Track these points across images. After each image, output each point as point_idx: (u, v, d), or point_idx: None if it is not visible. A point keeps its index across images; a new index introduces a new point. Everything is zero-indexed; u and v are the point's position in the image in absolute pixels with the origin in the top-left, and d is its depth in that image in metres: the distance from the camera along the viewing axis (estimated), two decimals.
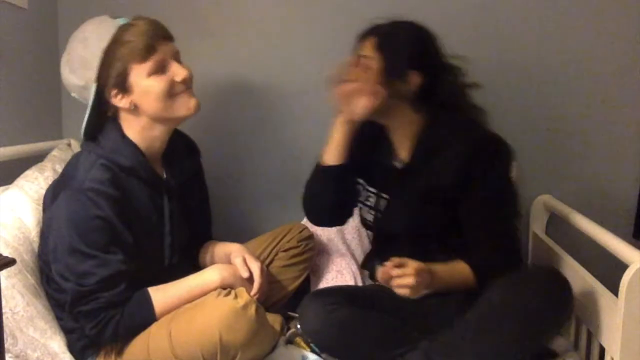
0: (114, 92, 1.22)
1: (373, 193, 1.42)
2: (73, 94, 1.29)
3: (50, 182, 1.40)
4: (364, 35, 1.34)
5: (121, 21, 1.21)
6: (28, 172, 1.47)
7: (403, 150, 1.37)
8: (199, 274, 1.26)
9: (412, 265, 1.17)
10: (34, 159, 1.56)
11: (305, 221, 1.61)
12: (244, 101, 1.80)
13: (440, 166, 1.29)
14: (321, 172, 1.39)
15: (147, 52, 1.19)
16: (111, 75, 1.20)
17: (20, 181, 1.43)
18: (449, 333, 1.21)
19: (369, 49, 1.31)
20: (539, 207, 1.68)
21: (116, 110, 1.26)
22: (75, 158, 1.26)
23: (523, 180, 1.69)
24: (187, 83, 1.24)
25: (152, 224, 1.27)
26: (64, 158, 1.61)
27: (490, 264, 1.27)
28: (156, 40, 1.20)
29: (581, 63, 1.66)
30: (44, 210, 1.29)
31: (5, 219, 1.30)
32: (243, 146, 1.81)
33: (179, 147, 1.37)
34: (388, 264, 1.19)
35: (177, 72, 1.23)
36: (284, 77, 1.78)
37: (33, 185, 1.41)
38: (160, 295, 1.21)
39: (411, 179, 1.33)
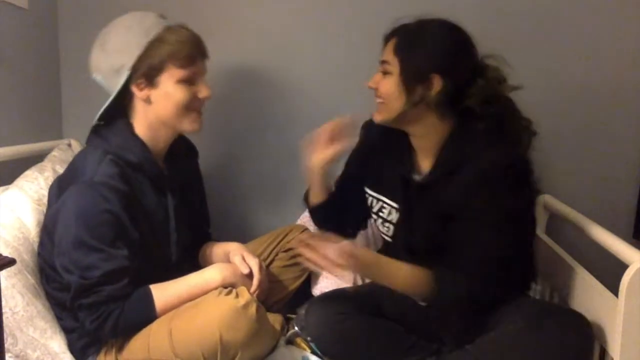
0: (140, 80, 1.23)
1: (387, 204, 1.35)
2: (95, 76, 1.28)
3: (50, 182, 1.40)
4: (387, 37, 1.27)
5: (165, 22, 1.24)
6: (28, 172, 1.47)
7: (425, 162, 1.29)
8: (199, 273, 1.27)
9: (332, 248, 1.11)
10: (34, 159, 1.56)
11: (304, 222, 1.61)
12: (244, 101, 1.80)
13: (457, 183, 1.19)
14: (313, 211, 1.42)
15: (187, 60, 1.23)
16: (145, 66, 1.22)
17: (20, 181, 1.43)
18: (458, 354, 1.17)
19: (389, 53, 1.23)
20: (539, 207, 1.68)
21: (131, 100, 1.27)
22: (83, 153, 1.27)
23: None
24: (204, 104, 1.28)
25: (158, 220, 1.28)
26: (64, 158, 1.61)
27: (456, 284, 1.15)
28: (198, 54, 1.25)
29: (581, 63, 1.66)
30: (49, 204, 1.29)
31: (5, 219, 1.30)
32: (243, 146, 1.81)
33: (179, 148, 1.38)
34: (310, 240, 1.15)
35: (202, 90, 1.26)
36: (285, 76, 1.78)
37: (33, 185, 1.41)
38: (161, 292, 1.21)
39: (429, 194, 1.24)
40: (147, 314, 1.19)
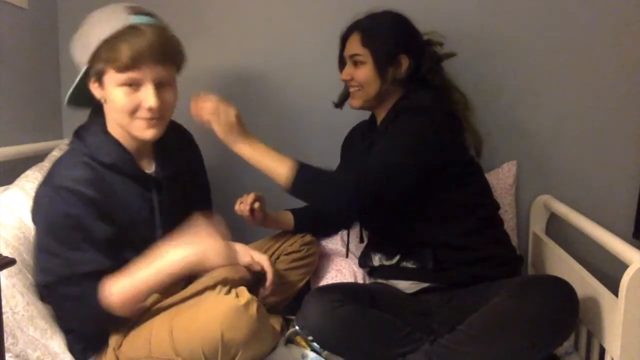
0: (93, 79, 1.20)
1: None
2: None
3: None
4: (347, 35, 1.43)
5: (134, 19, 1.16)
6: (28, 172, 1.47)
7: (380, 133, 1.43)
8: (162, 259, 1.16)
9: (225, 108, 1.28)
10: (34, 159, 1.56)
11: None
12: (245, 100, 1.80)
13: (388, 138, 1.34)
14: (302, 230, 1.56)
15: (126, 67, 1.14)
16: (95, 66, 1.18)
17: (21, 181, 1.43)
18: (451, 336, 1.21)
19: (355, 46, 1.40)
20: (539, 207, 1.68)
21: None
22: (62, 156, 1.25)
23: (523, 180, 1.70)
24: (153, 113, 1.19)
25: (141, 217, 1.25)
26: None
27: (313, 177, 1.28)
28: (144, 60, 1.15)
29: (581, 63, 1.67)
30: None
31: (5, 218, 1.30)
32: None
33: (172, 138, 1.34)
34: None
35: (146, 98, 1.17)
36: (285, 73, 1.78)
37: (33, 185, 1.41)
38: (119, 286, 1.14)
39: (374, 145, 1.37)
40: (109, 314, 1.14)
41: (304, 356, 1.34)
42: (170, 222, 1.29)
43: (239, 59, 1.78)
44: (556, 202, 1.61)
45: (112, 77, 1.16)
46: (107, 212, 1.18)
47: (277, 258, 1.52)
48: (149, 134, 1.21)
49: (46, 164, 1.54)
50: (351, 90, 1.44)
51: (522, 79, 1.68)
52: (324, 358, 1.34)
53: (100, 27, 1.17)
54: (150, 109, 1.18)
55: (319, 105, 1.70)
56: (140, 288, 1.15)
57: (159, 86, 1.19)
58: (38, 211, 1.17)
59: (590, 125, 1.68)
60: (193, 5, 1.76)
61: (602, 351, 1.23)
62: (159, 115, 1.20)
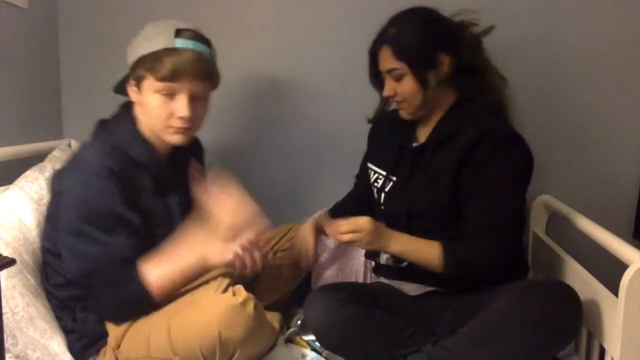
0: (133, 82, 1.28)
1: (379, 174, 1.44)
2: None
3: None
4: (376, 50, 1.34)
5: (178, 43, 1.23)
6: (28, 172, 1.47)
7: (424, 132, 1.38)
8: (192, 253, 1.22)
9: (360, 222, 1.25)
10: (34, 159, 1.56)
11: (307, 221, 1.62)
12: (247, 101, 1.80)
13: (448, 152, 1.29)
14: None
15: (165, 78, 1.21)
16: (136, 72, 1.25)
17: (21, 181, 1.43)
18: (453, 338, 1.20)
19: (389, 61, 1.30)
20: (539, 207, 1.68)
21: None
22: (88, 144, 1.29)
23: None
24: (184, 122, 1.25)
25: (160, 217, 1.28)
26: (64, 158, 1.61)
27: (463, 254, 1.26)
28: (182, 75, 1.22)
29: (581, 63, 1.66)
30: (51, 194, 1.29)
31: (5, 219, 1.30)
32: (244, 146, 1.81)
33: (186, 145, 1.36)
34: (340, 222, 1.27)
35: (179, 108, 1.24)
36: (287, 75, 1.78)
37: (33, 185, 1.41)
38: (156, 273, 1.19)
39: (420, 161, 1.34)
40: (146, 299, 1.18)
41: (303, 356, 1.34)
42: (184, 222, 1.31)
43: (242, 63, 1.78)
44: (556, 202, 1.61)
45: (151, 84, 1.23)
46: (134, 202, 1.22)
47: (275, 254, 1.53)
48: (176, 139, 1.28)
49: (46, 164, 1.54)
50: (396, 104, 1.38)
51: (521, 78, 1.68)
52: (325, 358, 1.34)
53: (151, 41, 1.24)
54: (182, 119, 1.24)
55: (326, 108, 1.71)
56: (176, 277, 1.19)
57: (193, 98, 1.25)
58: (69, 196, 1.19)
59: (591, 125, 1.68)
60: (196, 10, 1.77)
61: (602, 351, 1.23)
62: (190, 125, 1.27)
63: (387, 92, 1.34)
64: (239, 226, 1.20)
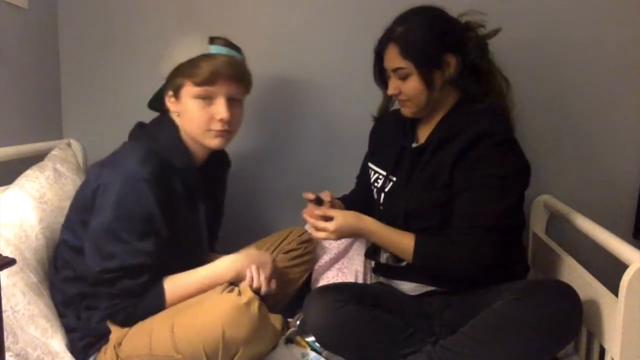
0: (170, 93, 1.32)
1: (379, 174, 1.45)
2: None
3: (50, 181, 1.43)
4: (382, 48, 1.34)
5: (213, 49, 1.28)
6: (29, 172, 1.47)
7: (424, 132, 1.39)
8: (211, 266, 1.28)
9: (336, 217, 1.27)
10: (34, 159, 1.57)
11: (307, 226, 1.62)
12: (249, 102, 1.80)
13: (447, 152, 1.29)
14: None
15: (204, 81, 1.25)
16: (173, 82, 1.30)
17: (21, 180, 1.43)
18: (453, 338, 1.20)
19: (396, 60, 1.30)
20: (539, 207, 1.68)
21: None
22: (129, 145, 1.32)
23: None
24: (224, 125, 1.29)
25: (189, 224, 1.32)
26: (64, 158, 1.61)
27: (437, 248, 1.26)
28: (220, 76, 1.26)
29: (581, 63, 1.66)
30: (86, 185, 1.29)
31: (6, 217, 1.31)
32: (246, 147, 1.81)
33: (216, 157, 1.43)
34: (316, 210, 1.30)
35: (218, 110, 1.28)
36: (289, 77, 1.78)
37: (34, 184, 1.42)
38: (172, 284, 1.24)
39: (420, 161, 1.34)
40: (158, 307, 1.22)
41: (304, 355, 1.34)
42: (210, 232, 1.39)
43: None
44: (556, 202, 1.61)
45: (189, 90, 1.27)
46: (168, 210, 1.24)
47: (276, 257, 1.52)
48: (216, 142, 1.31)
49: (46, 163, 1.54)
50: (399, 102, 1.38)
51: (522, 79, 1.68)
52: (325, 358, 1.34)
53: (182, 52, 1.29)
54: (222, 120, 1.28)
55: (328, 110, 1.71)
56: (190, 287, 1.24)
57: (230, 101, 1.30)
58: (108, 196, 1.20)
59: (590, 125, 1.68)
60: (194, 9, 1.76)
61: (602, 351, 1.23)
62: (229, 128, 1.31)
63: (391, 90, 1.34)
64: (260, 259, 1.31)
